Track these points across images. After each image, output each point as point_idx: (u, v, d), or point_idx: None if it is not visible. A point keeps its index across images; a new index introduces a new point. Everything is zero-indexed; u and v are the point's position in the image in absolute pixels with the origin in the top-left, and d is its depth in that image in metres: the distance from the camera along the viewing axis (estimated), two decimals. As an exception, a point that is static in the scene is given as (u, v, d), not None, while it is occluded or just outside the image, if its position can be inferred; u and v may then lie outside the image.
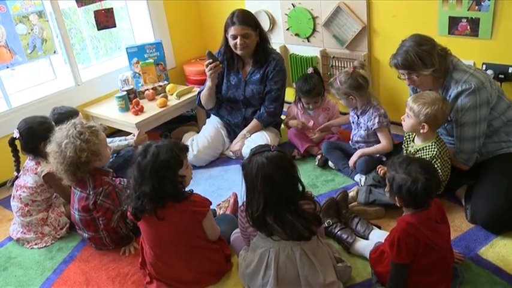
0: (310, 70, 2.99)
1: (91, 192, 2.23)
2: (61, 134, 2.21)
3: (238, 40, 2.82)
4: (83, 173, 2.21)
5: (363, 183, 2.54)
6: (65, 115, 2.67)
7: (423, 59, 2.16)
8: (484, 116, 2.18)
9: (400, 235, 1.66)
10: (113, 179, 2.39)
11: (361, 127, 2.68)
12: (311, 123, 3.03)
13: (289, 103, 3.20)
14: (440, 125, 2.18)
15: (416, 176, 1.64)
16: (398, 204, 1.74)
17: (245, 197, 1.79)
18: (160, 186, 1.88)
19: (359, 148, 2.71)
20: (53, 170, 2.29)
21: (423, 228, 1.66)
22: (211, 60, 2.86)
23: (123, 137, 3.04)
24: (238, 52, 2.90)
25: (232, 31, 2.82)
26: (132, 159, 1.97)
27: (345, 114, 3.05)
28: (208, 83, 3.00)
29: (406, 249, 1.66)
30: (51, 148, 2.22)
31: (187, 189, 1.99)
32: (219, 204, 2.52)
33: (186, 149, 2.01)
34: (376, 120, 2.57)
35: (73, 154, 2.15)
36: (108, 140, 2.97)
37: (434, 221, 1.71)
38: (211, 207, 2.04)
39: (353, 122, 2.77)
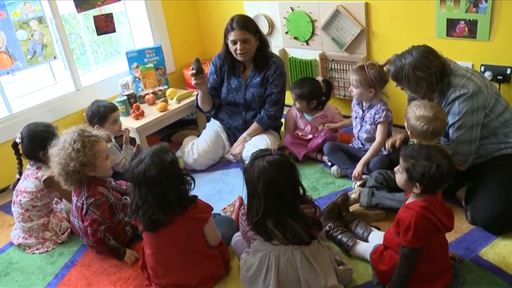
0: (319, 78, 3.04)
1: (84, 202, 2.22)
2: (63, 138, 2.21)
3: (238, 45, 2.82)
4: (74, 181, 2.20)
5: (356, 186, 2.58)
6: (102, 109, 2.77)
7: (410, 82, 2.22)
8: (480, 120, 2.19)
9: (416, 219, 1.69)
10: (117, 182, 2.37)
11: (366, 121, 2.71)
12: (308, 128, 3.03)
13: (289, 106, 3.20)
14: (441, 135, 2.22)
15: (439, 160, 1.68)
16: (416, 191, 1.75)
17: (246, 201, 1.80)
18: (181, 189, 1.92)
19: (364, 145, 2.76)
20: (52, 173, 2.29)
21: (436, 210, 1.72)
22: (192, 68, 2.87)
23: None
24: (239, 58, 2.90)
25: (232, 36, 2.82)
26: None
27: (347, 117, 3.07)
28: (198, 91, 3.05)
29: (423, 232, 1.69)
30: (52, 150, 2.22)
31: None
32: (224, 208, 2.51)
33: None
34: (383, 113, 2.62)
35: (63, 161, 2.15)
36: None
37: (441, 204, 1.77)
38: (215, 211, 2.04)
39: (356, 118, 2.78)
